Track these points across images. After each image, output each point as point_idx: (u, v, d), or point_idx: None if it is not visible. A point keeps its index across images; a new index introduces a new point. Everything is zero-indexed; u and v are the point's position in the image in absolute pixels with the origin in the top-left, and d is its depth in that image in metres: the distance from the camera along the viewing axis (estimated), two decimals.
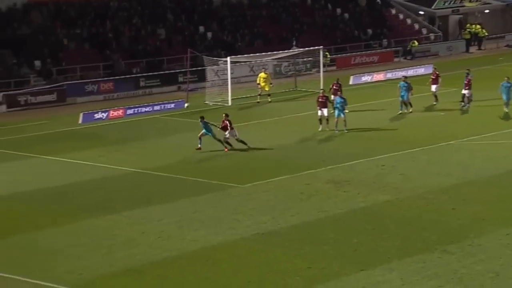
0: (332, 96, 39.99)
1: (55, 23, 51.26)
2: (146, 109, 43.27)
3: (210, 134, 33.83)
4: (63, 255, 22.31)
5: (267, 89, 45.44)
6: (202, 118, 34.26)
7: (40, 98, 45.19)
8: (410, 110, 41.30)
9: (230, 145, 33.87)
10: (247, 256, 22.38)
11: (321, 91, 38.99)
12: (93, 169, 31.53)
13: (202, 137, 33.82)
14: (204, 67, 48.36)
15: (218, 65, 48.34)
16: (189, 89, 47.41)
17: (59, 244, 23.21)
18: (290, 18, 61.96)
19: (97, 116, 41.25)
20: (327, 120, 37.46)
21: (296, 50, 51.73)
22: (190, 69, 48.61)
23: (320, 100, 37.81)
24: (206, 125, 33.98)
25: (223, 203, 27.21)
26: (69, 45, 50.64)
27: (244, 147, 33.88)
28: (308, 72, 52.77)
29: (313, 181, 29.52)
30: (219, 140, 33.74)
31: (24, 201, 27.32)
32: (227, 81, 46.09)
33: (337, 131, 37.06)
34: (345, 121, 37.11)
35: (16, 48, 48.18)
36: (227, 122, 33.88)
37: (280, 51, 50.26)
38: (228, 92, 45.67)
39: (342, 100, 37.37)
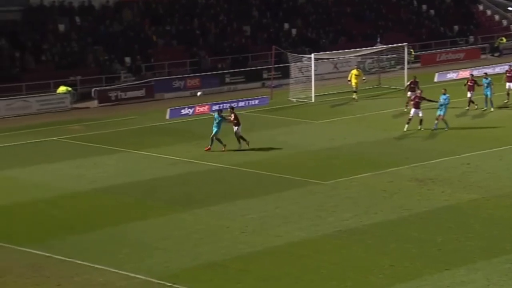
0: (409, 93, 40.03)
1: (145, 20, 52.49)
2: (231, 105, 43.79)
3: (218, 130, 33.58)
4: (151, 248, 22.98)
5: (357, 86, 45.32)
6: (220, 111, 34.30)
7: (130, 94, 46.38)
8: (491, 109, 40.77)
9: (242, 141, 33.91)
10: (329, 253, 22.63)
11: (419, 92, 38.54)
12: (179, 163, 32.28)
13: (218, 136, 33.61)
14: (288, 64, 48.71)
15: (302, 62, 48.64)
16: (273, 85, 47.86)
17: (148, 236, 23.92)
18: (375, 15, 61.75)
19: (183, 111, 42.09)
20: (421, 120, 37.08)
21: (380, 47, 51.57)
22: (275, 65, 49.04)
23: (415, 100, 37.47)
24: (220, 121, 33.70)
25: (305, 199, 27.53)
26: (157, 42, 51.76)
27: (244, 145, 33.85)
28: (392, 69, 52.48)
29: (396, 178, 29.54)
30: (218, 140, 33.54)
31: (115, 194, 28.17)
32: (311, 78, 46.35)
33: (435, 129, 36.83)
34: (444, 119, 36.89)
35: (108, 45, 49.59)
36: (234, 115, 34.02)
37: (364, 48, 50.19)
38: (311, 89, 45.92)
39: (446, 97, 37.11)
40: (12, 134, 37.68)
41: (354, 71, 45.96)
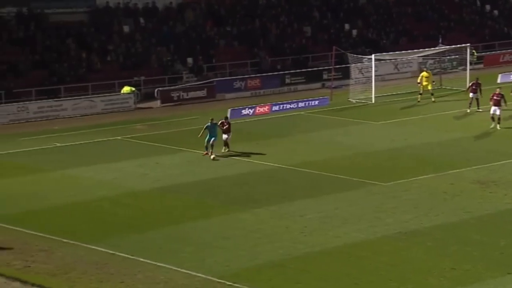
0: (471, 94, 39.79)
1: (207, 21, 53.05)
2: (291, 106, 44.08)
3: (214, 138, 32.98)
4: (212, 247, 23.32)
5: (429, 88, 45.03)
6: (212, 120, 33.55)
7: (192, 94, 46.95)
8: None
9: (228, 147, 33.84)
10: (389, 254, 22.66)
11: (498, 89, 38.35)
12: (240, 163, 32.62)
13: (214, 143, 33.05)
14: (348, 65, 48.72)
15: (363, 62, 48.55)
16: (333, 86, 47.91)
17: (209, 235, 24.29)
18: (437, 15, 61.23)
19: (244, 112, 42.44)
20: (499, 119, 36.97)
21: (442, 47, 51.16)
22: (335, 66, 49.09)
23: (494, 98, 37.33)
24: (214, 128, 33.27)
25: (365, 200, 27.58)
26: (219, 43, 52.27)
27: (225, 149, 33.69)
28: (454, 70, 52.01)
29: (457, 180, 29.38)
30: (212, 146, 33.04)
31: (177, 193, 28.61)
32: (371, 79, 46.26)
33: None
34: (499, 119, 36.73)
35: (171, 45, 50.29)
36: (227, 124, 33.74)
37: (426, 49, 49.85)
38: (371, 90, 45.84)
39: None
40: (78, 133, 38.52)
41: (424, 73, 45.54)
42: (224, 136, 33.87)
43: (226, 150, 33.88)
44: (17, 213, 26.39)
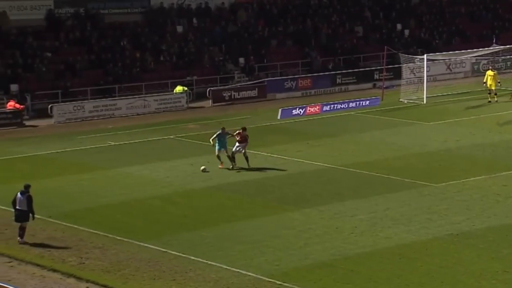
0: None
1: (259, 21, 53.31)
2: (342, 106, 44.06)
3: (223, 148, 31.33)
4: (262, 246, 23.51)
5: (493, 87, 44.58)
6: (223, 129, 31.68)
7: (243, 94, 47.26)
8: None
9: (234, 161, 31.44)
10: (440, 256, 22.59)
11: None
12: (290, 163, 32.76)
13: (221, 154, 31.42)
14: (400, 65, 48.53)
15: (414, 62, 48.33)
16: (384, 86, 47.76)
17: (259, 234, 24.49)
18: (491, 15, 60.54)
19: (294, 112, 42.56)
20: None
21: (496, 47, 50.60)
22: (386, 66, 48.92)
23: None
24: (224, 138, 31.43)
25: (415, 201, 27.51)
26: (271, 43, 52.48)
27: (245, 166, 31.32)
28: (508, 70, 51.45)
29: (511, 182, 29.11)
30: (218, 157, 31.31)
31: (228, 192, 28.87)
32: (423, 79, 46.01)
33: None
34: None
35: (223, 45, 50.67)
36: (246, 135, 31.55)
37: (479, 49, 49.36)
38: (423, 90, 45.59)
39: None
40: (132, 132, 39.09)
41: (489, 72, 45.08)
42: (236, 148, 31.39)
43: (234, 166, 31.35)
44: (73, 210, 26.95)
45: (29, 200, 23.86)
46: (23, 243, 23.62)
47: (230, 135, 31.86)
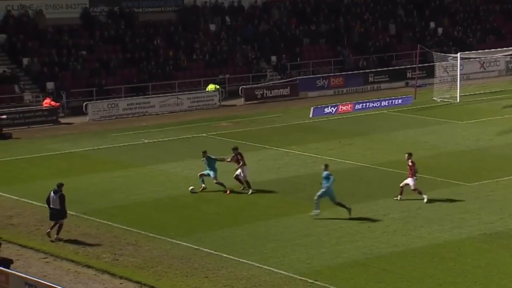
0: None
1: (292, 20, 53.35)
2: (374, 104, 44.01)
3: (212, 174, 28.20)
4: (294, 244, 23.59)
5: None
6: (204, 153, 28.59)
7: (275, 92, 47.40)
8: None
9: (241, 182, 28.60)
10: (473, 256, 22.54)
11: None
12: (322, 161, 32.63)
13: (204, 177, 28.43)
14: (433, 63, 48.32)
15: (448, 61, 48.09)
16: (417, 85, 47.58)
17: (291, 233, 24.58)
18: None
19: (326, 110, 42.60)
20: None
21: None
22: (419, 65, 48.73)
23: None
24: (209, 162, 28.48)
25: (448, 200, 27.42)
26: (303, 41, 52.50)
27: (248, 191, 28.48)
28: None
29: None
30: (220, 184, 28.30)
31: (261, 190, 28.92)
32: (456, 78, 45.76)
33: None
34: None
35: (256, 44, 50.81)
36: (239, 156, 28.52)
37: None
38: (456, 89, 45.34)
39: None
40: (165, 130, 39.40)
41: None
42: (238, 172, 28.50)
43: (242, 188, 28.60)
44: (107, 207, 27.25)
45: (61, 199, 24.11)
46: (58, 240, 23.94)
47: (218, 159, 28.76)
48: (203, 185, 28.55)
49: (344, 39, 53.28)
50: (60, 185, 24.40)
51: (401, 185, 27.49)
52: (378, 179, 30.30)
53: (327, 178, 25.82)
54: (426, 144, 35.51)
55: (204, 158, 28.63)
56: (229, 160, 28.84)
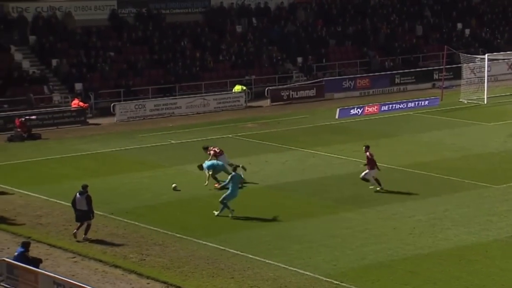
0: None
1: (318, 21, 53.37)
2: (400, 106, 43.92)
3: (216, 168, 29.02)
4: (320, 245, 23.66)
5: None
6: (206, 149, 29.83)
7: (301, 93, 47.46)
8: None
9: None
10: (501, 259, 22.45)
11: None
12: (348, 163, 32.81)
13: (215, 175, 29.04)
14: (460, 65, 48.11)
15: (475, 62, 47.87)
16: (444, 86, 47.40)
17: (317, 234, 24.65)
18: None
19: (352, 111, 42.56)
20: None
21: None
22: (446, 66, 48.54)
23: None
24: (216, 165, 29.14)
25: (475, 203, 27.33)
26: (329, 42, 52.50)
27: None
28: None
29: None
30: (215, 178, 28.99)
31: (286, 191, 29.08)
32: (484, 79, 45.52)
33: None
34: None
35: (282, 45, 50.91)
36: (216, 150, 29.92)
37: None
38: (484, 90, 45.10)
39: None
40: (192, 131, 39.58)
41: None
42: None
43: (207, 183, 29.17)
44: (134, 207, 27.47)
45: (88, 200, 24.29)
46: (86, 240, 24.18)
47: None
48: (217, 182, 28.80)
49: (371, 40, 53.19)
50: (85, 186, 24.58)
51: (360, 176, 28.53)
52: (404, 181, 30.23)
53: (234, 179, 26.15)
54: (453, 146, 35.40)
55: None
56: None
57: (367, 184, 29.63)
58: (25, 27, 45.57)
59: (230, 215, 26.20)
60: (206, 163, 29.44)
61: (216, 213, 26.42)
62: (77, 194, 24.44)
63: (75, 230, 24.39)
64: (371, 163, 28.69)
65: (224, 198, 26.31)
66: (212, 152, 30.11)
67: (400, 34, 54.62)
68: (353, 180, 30.34)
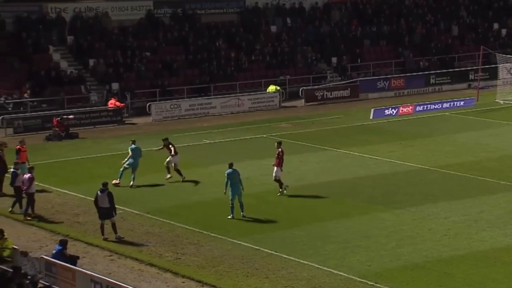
0: None
1: (352, 21, 53.30)
2: (435, 106, 43.70)
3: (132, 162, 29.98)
4: (354, 246, 23.70)
5: None
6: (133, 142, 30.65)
7: (335, 94, 47.43)
8: None
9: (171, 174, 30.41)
10: None
11: None
12: (382, 163, 32.78)
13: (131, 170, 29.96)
14: (496, 65, 47.72)
15: (511, 62, 47.45)
16: (479, 87, 47.06)
17: (350, 234, 24.69)
18: None
19: (387, 112, 42.45)
20: None
21: None
22: (482, 66, 48.18)
23: None
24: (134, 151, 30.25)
25: (511, 204, 27.11)
26: (364, 42, 52.40)
27: (180, 177, 30.31)
28: None
29: None
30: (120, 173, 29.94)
31: (320, 191, 29.13)
32: None
33: None
34: None
35: (316, 45, 50.92)
36: (171, 146, 30.73)
37: None
38: None
39: None
40: (226, 131, 39.79)
41: None
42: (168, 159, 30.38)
43: (169, 176, 30.33)
44: (170, 206, 27.72)
45: (110, 196, 24.47)
46: (119, 238, 24.43)
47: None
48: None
49: (406, 40, 52.96)
50: (105, 184, 24.77)
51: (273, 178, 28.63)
52: (439, 182, 30.14)
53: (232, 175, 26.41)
54: (489, 147, 35.18)
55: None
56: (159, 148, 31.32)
57: (401, 184, 29.59)
58: (63, 28, 46.13)
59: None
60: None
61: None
62: (98, 192, 24.64)
63: (102, 236, 24.47)
64: (278, 160, 28.75)
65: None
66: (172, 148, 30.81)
67: (435, 34, 54.31)
68: (387, 180, 30.38)
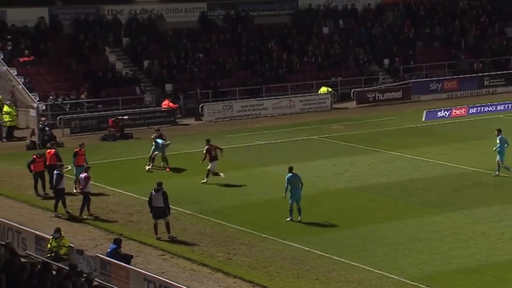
0: None
1: (405, 22, 53.01)
2: (489, 109, 43.27)
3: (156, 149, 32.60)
4: (405, 248, 23.62)
5: None
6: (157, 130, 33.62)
7: (387, 95, 47.28)
8: None
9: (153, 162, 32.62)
10: None
11: None
12: (434, 166, 32.59)
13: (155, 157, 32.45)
14: None
15: None
16: None
17: (402, 237, 24.60)
18: None
19: (439, 114, 42.18)
20: None
21: None
22: None
23: None
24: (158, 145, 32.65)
25: None
26: (417, 44, 52.08)
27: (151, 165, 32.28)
28: None
29: None
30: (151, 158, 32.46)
31: (371, 193, 29.13)
32: None
33: None
34: None
35: (368, 47, 50.78)
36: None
37: None
38: None
39: None
40: (278, 132, 39.92)
41: None
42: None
43: (151, 165, 32.60)
44: (221, 207, 27.95)
45: (164, 196, 24.73)
46: (172, 238, 24.74)
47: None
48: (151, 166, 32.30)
49: (459, 42, 52.47)
50: (160, 184, 25.00)
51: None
52: (492, 185, 29.86)
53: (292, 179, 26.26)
54: None
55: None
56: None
57: (454, 187, 29.37)
58: (119, 29, 46.84)
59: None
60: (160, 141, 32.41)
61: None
62: (153, 191, 24.91)
63: (155, 236, 24.73)
64: (204, 156, 30.13)
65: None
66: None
67: (489, 35, 53.71)
68: (439, 183, 30.19)
